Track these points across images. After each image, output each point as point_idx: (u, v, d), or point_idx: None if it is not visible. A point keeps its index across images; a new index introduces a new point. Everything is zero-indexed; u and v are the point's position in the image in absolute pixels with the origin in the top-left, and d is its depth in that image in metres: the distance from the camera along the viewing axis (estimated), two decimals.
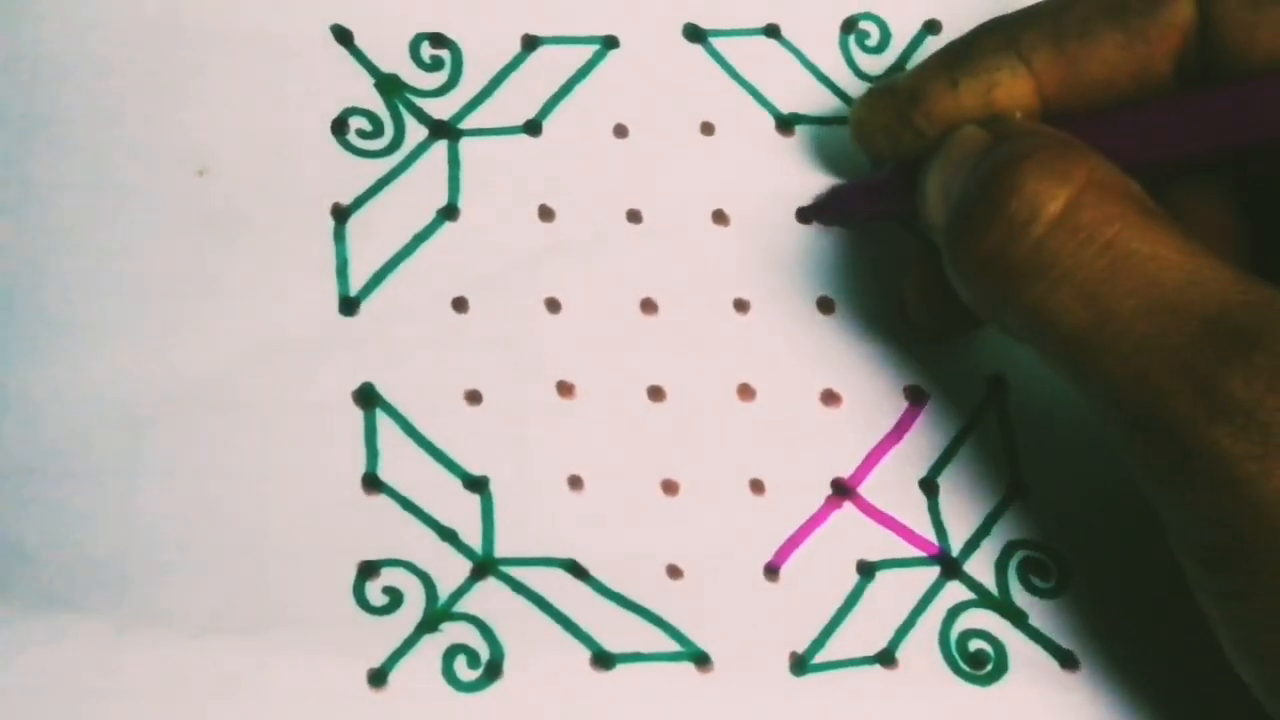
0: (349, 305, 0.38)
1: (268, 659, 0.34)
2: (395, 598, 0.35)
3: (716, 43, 0.42)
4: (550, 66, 0.41)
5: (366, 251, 0.38)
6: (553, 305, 0.39)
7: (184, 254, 0.37)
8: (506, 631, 0.35)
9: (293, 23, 0.40)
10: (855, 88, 0.41)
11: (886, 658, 0.36)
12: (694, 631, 0.36)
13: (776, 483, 0.38)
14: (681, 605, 0.36)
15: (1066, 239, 0.32)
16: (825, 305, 0.40)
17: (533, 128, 0.40)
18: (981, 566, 0.37)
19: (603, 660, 0.35)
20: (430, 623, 0.35)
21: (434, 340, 0.38)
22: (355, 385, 0.37)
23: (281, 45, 0.40)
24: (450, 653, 0.35)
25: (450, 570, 0.36)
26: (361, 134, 0.39)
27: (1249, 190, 0.37)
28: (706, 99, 0.41)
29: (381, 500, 0.36)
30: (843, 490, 0.38)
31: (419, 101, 0.40)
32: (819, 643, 0.36)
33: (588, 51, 0.41)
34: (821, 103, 0.42)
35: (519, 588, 0.36)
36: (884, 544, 0.37)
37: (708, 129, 0.41)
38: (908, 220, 0.40)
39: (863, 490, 0.38)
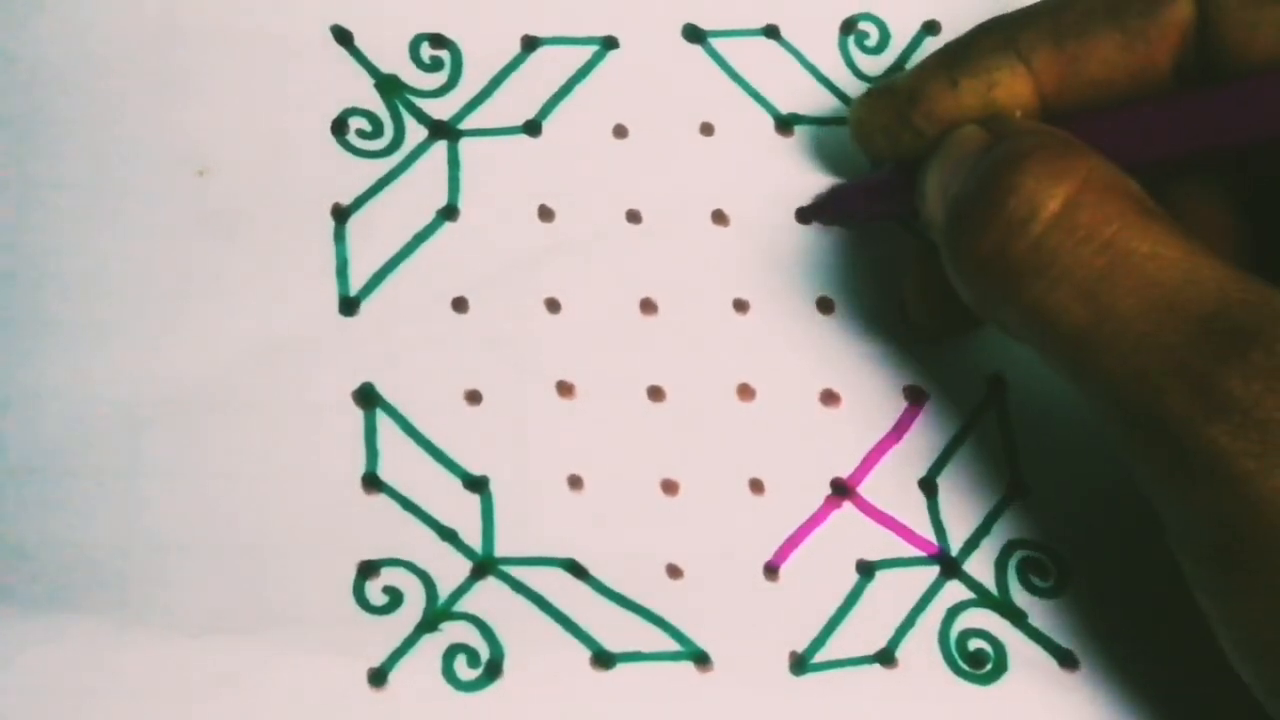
0: (349, 305, 0.38)
1: (268, 659, 0.34)
2: (395, 597, 0.35)
3: (716, 43, 0.42)
4: (550, 67, 0.41)
5: (366, 251, 0.38)
6: (552, 305, 0.39)
7: (184, 254, 0.38)
8: (506, 631, 0.35)
9: (293, 23, 0.40)
10: (854, 88, 0.41)
11: (886, 657, 0.36)
12: (694, 631, 0.36)
13: (776, 482, 0.38)
14: (681, 605, 0.36)
15: (1065, 238, 0.32)
16: (825, 305, 0.40)
17: (532, 128, 0.40)
18: (981, 566, 0.37)
19: (603, 660, 0.35)
20: (430, 622, 0.35)
21: (434, 340, 0.38)
22: (355, 385, 0.37)
23: (281, 45, 0.40)
24: (450, 652, 0.35)
25: (450, 570, 0.36)
26: (361, 134, 0.39)
27: (1248, 190, 0.37)
28: (706, 99, 0.41)
29: (381, 500, 0.36)
30: (842, 490, 0.38)
31: (419, 102, 0.40)
32: (819, 642, 0.36)
33: (587, 52, 0.41)
34: (821, 103, 0.42)
35: (519, 587, 0.36)
36: (883, 544, 0.37)
37: (707, 129, 0.41)
38: (907, 220, 0.40)
39: (862, 490, 0.38)
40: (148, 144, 0.38)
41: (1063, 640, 0.37)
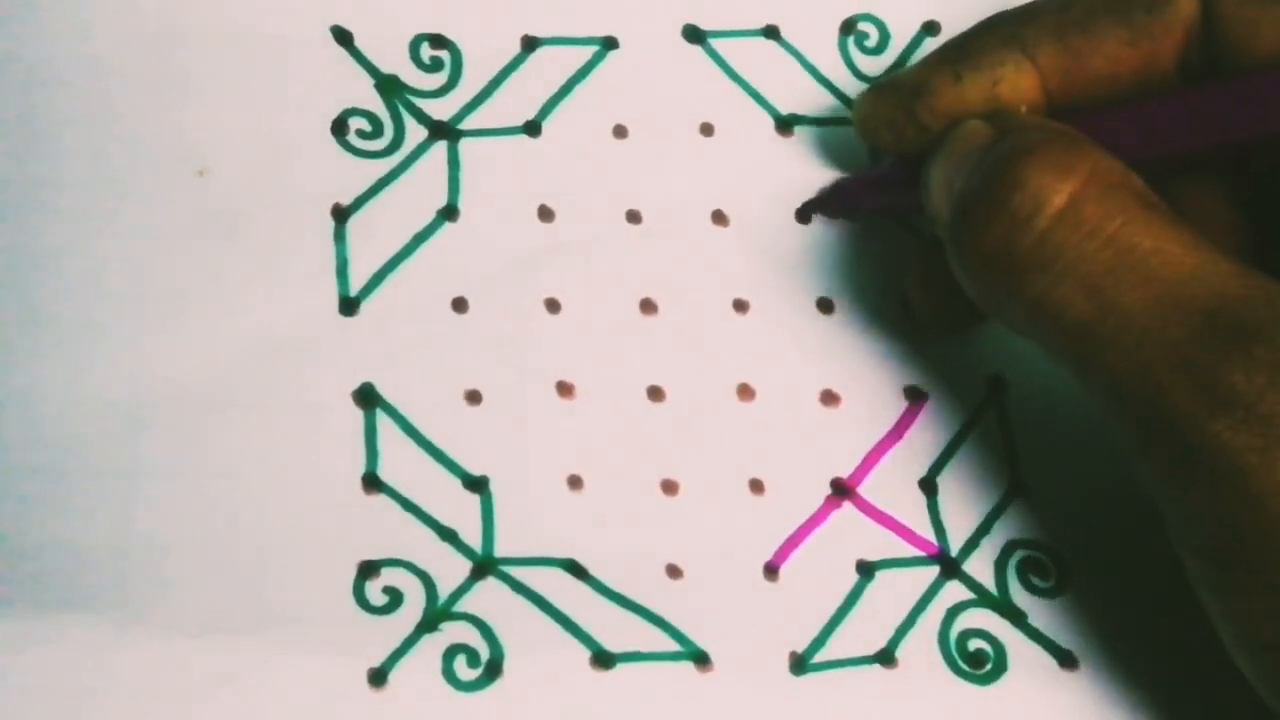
0: (349, 305, 0.38)
1: (268, 659, 0.34)
2: (395, 597, 0.35)
3: (716, 44, 0.42)
4: (550, 67, 0.41)
5: (366, 252, 0.38)
6: (552, 305, 0.39)
7: (184, 254, 0.37)
8: (506, 631, 0.35)
9: (293, 23, 0.40)
10: (854, 89, 0.41)
11: (886, 657, 0.36)
12: (694, 631, 0.36)
13: (776, 482, 0.38)
14: (681, 605, 0.36)
15: (1070, 233, 0.32)
16: (825, 305, 0.40)
17: (532, 128, 0.40)
18: (981, 566, 0.37)
19: (603, 660, 0.35)
20: (430, 622, 0.35)
21: (434, 340, 0.38)
22: (355, 385, 0.37)
23: (281, 45, 0.40)
24: (450, 652, 0.35)
25: (450, 570, 0.36)
26: (361, 134, 0.39)
27: (1252, 186, 0.37)
28: (706, 100, 0.41)
29: (381, 500, 0.36)
30: (842, 490, 0.38)
31: (419, 102, 0.40)
32: (819, 642, 0.36)
33: (587, 52, 0.41)
34: (820, 103, 0.42)
35: (519, 587, 0.36)
36: (883, 544, 0.37)
37: (707, 130, 0.41)
38: (909, 217, 0.40)
39: (862, 490, 0.38)
40: (148, 144, 0.38)
41: (1063, 640, 0.37)
